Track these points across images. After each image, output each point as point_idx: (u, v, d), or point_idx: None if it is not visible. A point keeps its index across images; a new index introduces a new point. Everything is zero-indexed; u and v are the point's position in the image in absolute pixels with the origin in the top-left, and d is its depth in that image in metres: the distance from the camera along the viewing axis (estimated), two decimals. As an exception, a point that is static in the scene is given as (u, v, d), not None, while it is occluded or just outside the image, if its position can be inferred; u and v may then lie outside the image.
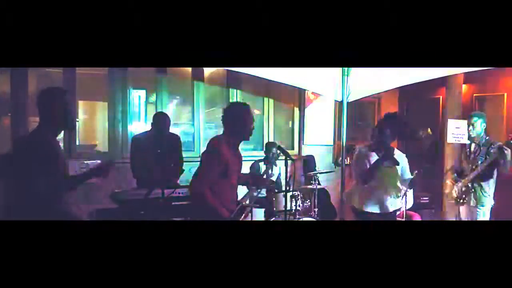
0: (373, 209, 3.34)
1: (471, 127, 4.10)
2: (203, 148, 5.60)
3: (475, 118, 4.10)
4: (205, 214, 3.06)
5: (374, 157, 3.30)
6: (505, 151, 3.77)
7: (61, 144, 4.95)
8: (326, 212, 5.42)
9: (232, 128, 3.09)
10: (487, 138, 4.08)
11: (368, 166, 3.26)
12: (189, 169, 5.16)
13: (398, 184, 3.43)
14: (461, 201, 4.16)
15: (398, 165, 3.33)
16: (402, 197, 3.76)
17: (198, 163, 3.16)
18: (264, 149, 5.32)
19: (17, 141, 2.53)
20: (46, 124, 2.55)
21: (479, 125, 4.07)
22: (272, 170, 5.14)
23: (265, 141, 5.92)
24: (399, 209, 3.81)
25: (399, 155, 3.40)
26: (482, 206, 4.04)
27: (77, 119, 5.17)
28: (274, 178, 5.06)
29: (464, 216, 4.22)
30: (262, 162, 5.21)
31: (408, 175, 3.49)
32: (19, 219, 2.27)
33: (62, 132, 4.62)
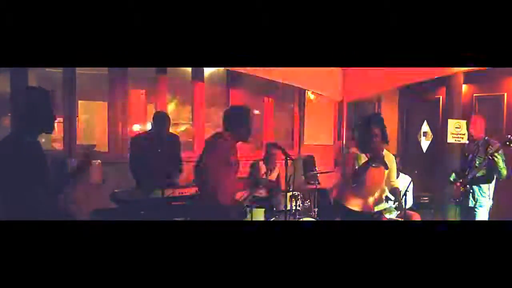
0: (354, 206, 3.33)
1: (474, 130, 4.10)
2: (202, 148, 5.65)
3: (475, 120, 4.11)
4: (205, 214, 3.07)
5: (363, 159, 3.29)
6: (496, 159, 3.77)
7: (61, 144, 4.98)
8: (326, 212, 5.42)
9: (232, 129, 3.15)
10: (485, 138, 4.08)
11: (356, 167, 3.25)
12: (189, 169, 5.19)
13: (384, 185, 3.41)
14: (460, 201, 4.16)
15: (386, 169, 3.31)
16: (402, 197, 3.75)
17: (204, 168, 3.13)
18: (264, 149, 5.32)
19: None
20: (21, 125, 2.41)
21: (480, 127, 4.07)
22: (272, 170, 5.15)
23: (265, 141, 5.92)
24: (387, 211, 3.80)
25: (387, 155, 3.37)
26: (481, 206, 4.04)
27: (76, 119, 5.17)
28: (273, 178, 5.07)
29: (463, 217, 4.22)
30: (262, 162, 5.21)
31: (394, 178, 3.47)
32: (17, 219, 2.27)
33: (62, 132, 4.63)
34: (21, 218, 2.24)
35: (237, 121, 3.15)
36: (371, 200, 3.35)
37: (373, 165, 3.21)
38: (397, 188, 3.40)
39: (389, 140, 3.33)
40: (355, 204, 3.32)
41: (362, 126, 3.37)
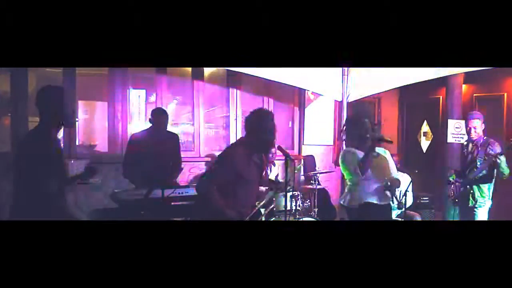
0: (372, 199, 3.33)
1: (472, 130, 4.08)
2: (203, 148, 5.65)
3: (475, 120, 4.09)
4: (205, 214, 3.06)
5: (360, 154, 3.33)
6: (498, 161, 3.76)
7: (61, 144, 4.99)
8: (326, 212, 5.42)
9: (253, 137, 2.97)
10: (485, 138, 4.07)
11: (359, 158, 3.28)
12: (189, 169, 5.19)
13: (389, 171, 3.43)
14: (459, 201, 4.16)
15: (391, 142, 3.34)
16: (402, 196, 3.77)
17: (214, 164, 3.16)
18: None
19: (20, 140, 2.56)
20: (47, 122, 2.57)
21: (479, 127, 4.06)
22: (270, 170, 5.15)
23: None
24: (396, 202, 3.83)
25: (381, 151, 3.43)
26: (480, 206, 4.03)
27: (77, 119, 5.18)
28: (272, 178, 5.07)
29: (462, 217, 4.22)
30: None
31: (394, 170, 3.51)
32: (21, 219, 2.28)
33: (62, 131, 4.65)
34: (35, 212, 2.31)
35: (260, 128, 2.91)
36: (383, 189, 3.36)
37: (375, 153, 3.27)
38: (397, 180, 3.42)
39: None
40: (370, 198, 3.33)
41: (351, 125, 3.48)
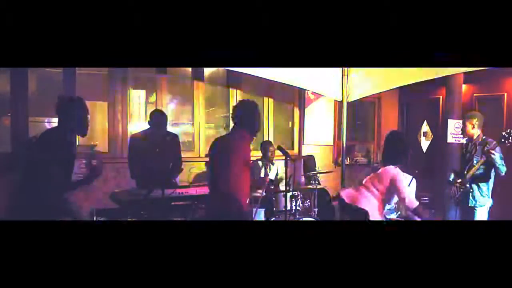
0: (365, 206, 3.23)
1: (467, 127, 4.10)
2: (203, 148, 5.65)
3: (469, 118, 4.10)
4: (205, 214, 3.07)
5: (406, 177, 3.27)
6: (493, 156, 3.75)
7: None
8: (326, 212, 5.42)
9: (244, 124, 3.14)
10: (483, 137, 4.08)
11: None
12: (189, 169, 5.18)
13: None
14: (459, 200, 4.15)
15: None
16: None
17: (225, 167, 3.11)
18: (260, 149, 5.28)
19: (36, 138, 2.69)
20: (66, 127, 2.77)
21: (475, 125, 4.07)
22: (269, 170, 5.15)
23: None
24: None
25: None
26: (480, 206, 4.03)
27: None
28: (272, 177, 5.06)
29: (462, 216, 4.21)
30: (260, 162, 5.20)
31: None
32: (26, 219, 2.29)
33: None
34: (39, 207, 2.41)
35: (250, 117, 3.13)
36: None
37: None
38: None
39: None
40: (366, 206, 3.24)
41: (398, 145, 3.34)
